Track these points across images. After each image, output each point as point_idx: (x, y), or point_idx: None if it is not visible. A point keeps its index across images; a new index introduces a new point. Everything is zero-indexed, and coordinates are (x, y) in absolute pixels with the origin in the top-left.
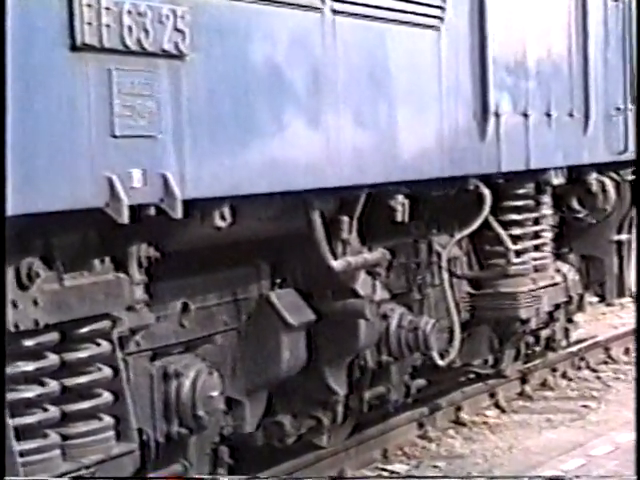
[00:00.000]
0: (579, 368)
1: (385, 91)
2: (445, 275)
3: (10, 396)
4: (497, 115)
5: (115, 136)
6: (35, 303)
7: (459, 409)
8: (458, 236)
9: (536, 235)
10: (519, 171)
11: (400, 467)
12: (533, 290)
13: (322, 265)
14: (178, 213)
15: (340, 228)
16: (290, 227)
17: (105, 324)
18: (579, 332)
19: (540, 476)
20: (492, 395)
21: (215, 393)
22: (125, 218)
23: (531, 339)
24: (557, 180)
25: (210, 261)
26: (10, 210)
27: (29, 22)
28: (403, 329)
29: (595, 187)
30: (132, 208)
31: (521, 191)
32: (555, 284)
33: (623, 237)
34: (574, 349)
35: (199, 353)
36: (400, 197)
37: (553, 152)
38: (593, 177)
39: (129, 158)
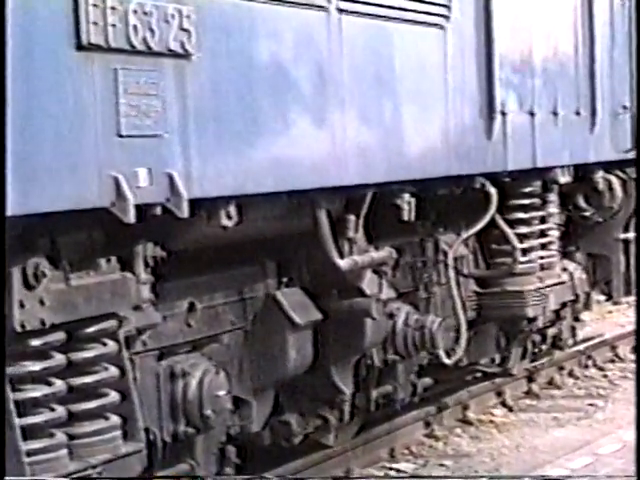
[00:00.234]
0: (586, 366)
1: (391, 90)
2: (451, 274)
3: (17, 396)
4: (503, 114)
5: (121, 135)
6: (41, 303)
7: (466, 408)
8: (464, 235)
9: (543, 233)
10: (525, 169)
11: (407, 466)
12: (540, 288)
13: (328, 264)
14: (184, 212)
15: (346, 227)
16: (296, 226)
17: (111, 324)
18: (586, 330)
19: (542, 476)
20: (499, 394)
21: (222, 392)
22: (131, 217)
23: (538, 338)
24: (564, 178)
25: (216, 260)
26: (15, 210)
27: (35, 22)
28: (409, 328)
29: (602, 185)
30: (138, 207)
31: (527, 189)
32: (562, 282)
33: (630, 235)
34: (581, 347)
35: (206, 352)
36: (406, 196)
37: (560, 150)
38: (599, 175)
39: (135, 157)
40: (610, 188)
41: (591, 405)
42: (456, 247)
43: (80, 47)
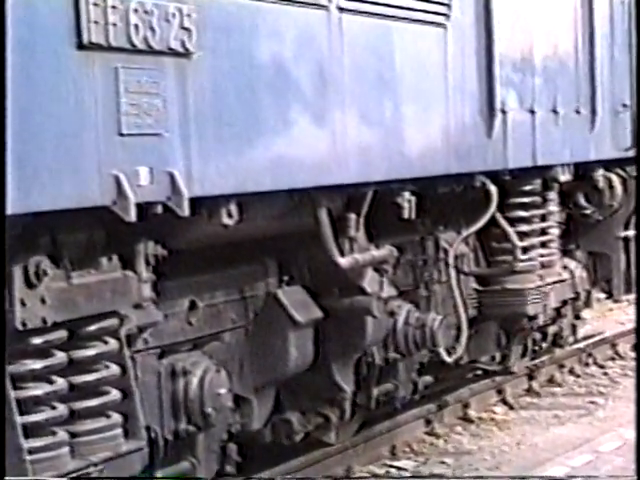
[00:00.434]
0: (586, 364)
1: (391, 88)
2: (452, 272)
3: (18, 394)
4: (504, 112)
5: (122, 134)
6: (43, 301)
7: (466, 406)
8: (465, 233)
9: (543, 232)
10: (526, 168)
11: (408, 463)
12: (540, 287)
13: (329, 262)
14: (185, 211)
15: (347, 225)
16: (297, 224)
17: (113, 322)
18: (586, 328)
19: (542, 476)
20: (499, 391)
21: (223, 390)
22: (132, 216)
23: (538, 335)
24: (564, 177)
25: (217, 259)
26: (17, 209)
27: (36, 21)
28: (410, 326)
29: (602, 183)
30: (139, 206)
31: (528, 188)
32: (562, 280)
33: (630, 233)
34: (581, 345)
35: (207, 351)
36: (407, 194)
37: (560, 149)
38: (600, 173)
39: (136, 156)
40: (610, 186)
41: (591, 403)
42: (457, 245)
43: (81, 46)
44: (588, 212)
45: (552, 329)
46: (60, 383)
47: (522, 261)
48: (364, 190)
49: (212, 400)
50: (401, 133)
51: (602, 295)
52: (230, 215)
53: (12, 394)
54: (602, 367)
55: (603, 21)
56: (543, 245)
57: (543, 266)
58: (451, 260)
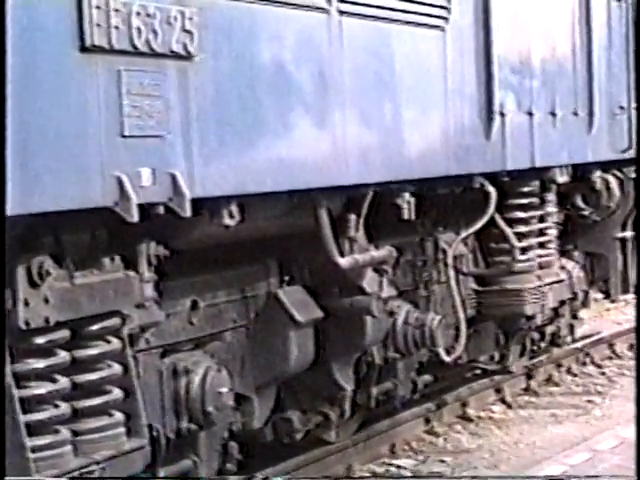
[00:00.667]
0: (584, 364)
1: (391, 91)
2: (451, 272)
3: (22, 393)
4: (502, 114)
5: (124, 136)
6: (46, 301)
7: (465, 405)
8: (464, 234)
9: (541, 232)
10: (524, 169)
11: (407, 462)
12: (538, 287)
13: (329, 263)
14: (187, 212)
15: (347, 226)
16: (298, 225)
17: (115, 321)
18: (584, 328)
19: (538, 476)
20: (498, 391)
21: (224, 389)
22: (134, 217)
23: (536, 335)
24: (562, 178)
25: (219, 259)
26: (20, 209)
27: (39, 24)
28: (410, 326)
29: (599, 185)
30: (141, 207)
31: (526, 189)
32: (560, 281)
33: (627, 234)
34: (579, 345)
35: (208, 350)
36: (406, 195)
37: (558, 150)
38: (597, 175)
39: (138, 158)
40: (608, 187)
41: (589, 402)
42: (456, 246)
43: (84, 49)
44: (586, 213)
45: (550, 329)
46: (63, 382)
47: (520, 261)
48: (364, 191)
49: (213, 399)
50: (401, 135)
51: (599, 295)
52: (231, 216)
53: (15, 393)
54: (599, 366)
55: (600, 24)
56: (541, 246)
57: (541, 266)
58: (450, 260)
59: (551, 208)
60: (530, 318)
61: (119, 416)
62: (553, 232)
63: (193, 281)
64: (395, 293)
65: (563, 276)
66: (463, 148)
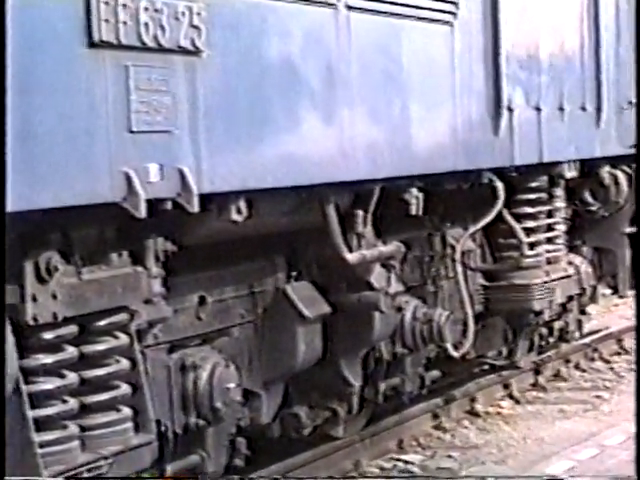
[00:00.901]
0: (592, 359)
1: (399, 86)
2: (459, 268)
3: (30, 388)
4: (510, 109)
5: (132, 131)
6: (54, 296)
7: (473, 400)
8: (472, 229)
9: (549, 228)
10: (532, 164)
11: (415, 457)
12: (546, 282)
13: (337, 258)
14: (195, 207)
15: (355, 221)
16: (305, 221)
17: (123, 317)
18: (592, 324)
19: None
20: (506, 386)
21: (232, 385)
22: (142, 212)
23: (544, 331)
24: (570, 173)
25: (226, 254)
26: (28, 205)
27: (47, 19)
28: (417, 321)
29: (607, 180)
30: (149, 202)
31: (534, 184)
32: (568, 276)
33: (635, 229)
34: (587, 340)
35: (216, 345)
36: (414, 191)
37: (566, 145)
38: (605, 170)
39: (146, 153)
40: (616, 183)
41: (597, 397)
42: (463, 241)
43: (92, 44)
44: (594, 208)
45: (558, 324)
46: (71, 377)
47: (528, 257)
48: (372, 186)
49: (221, 394)
50: (408, 130)
51: (607, 290)
52: (239, 211)
53: (24, 388)
54: (607, 362)
55: (609, 18)
56: (549, 241)
57: (549, 262)
58: (458, 256)
59: (559, 203)
60: (538, 313)
61: (127, 411)
62: (561, 227)
63: (201, 277)
64: (403, 289)
65: (571, 271)
66: (471, 143)
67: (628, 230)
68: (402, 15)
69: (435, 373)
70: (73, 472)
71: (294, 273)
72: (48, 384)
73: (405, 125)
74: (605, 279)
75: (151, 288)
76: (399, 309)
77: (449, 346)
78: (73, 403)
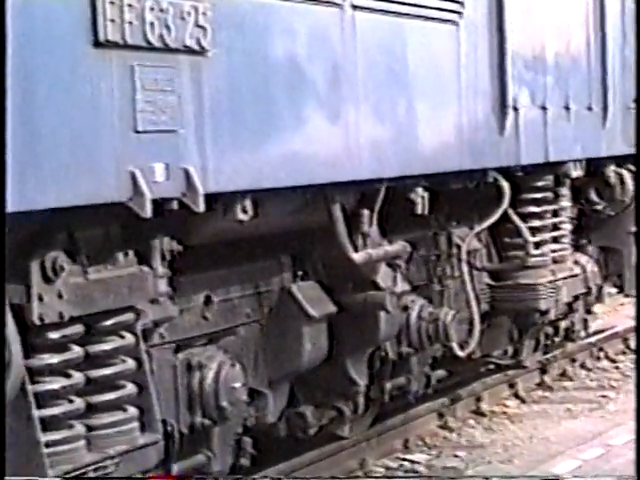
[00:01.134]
0: (598, 358)
1: (404, 85)
2: (465, 267)
3: (36, 388)
4: (516, 109)
5: (138, 131)
6: (60, 296)
7: (479, 399)
8: (478, 228)
9: (555, 227)
10: (538, 164)
11: (421, 457)
12: (552, 281)
13: (343, 258)
14: (200, 207)
15: (361, 221)
16: (311, 220)
17: (129, 317)
18: (598, 323)
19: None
20: (512, 385)
21: (238, 384)
22: (148, 212)
23: (550, 330)
24: (576, 172)
25: (232, 254)
26: (34, 205)
27: (53, 19)
28: (423, 320)
29: (613, 179)
30: (155, 202)
31: (540, 184)
32: (574, 275)
33: None
34: (593, 340)
35: (222, 345)
36: (420, 190)
37: (571, 145)
38: (611, 169)
39: (152, 153)
40: (622, 182)
41: (603, 396)
42: (469, 241)
43: (97, 44)
44: (600, 207)
45: (564, 324)
46: (77, 377)
47: (534, 256)
48: (377, 186)
49: (227, 394)
50: (414, 129)
51: (613, 290)
52: (245, 211)
53: (30, 388)
54: (613, 361)
55: (614, 17)
56: (555, 240)
57: (555, 261)
58: (464, 255)
59: (565, 203)
60: (544, 313)
61: (133, 411)
62: (567, 227)
63: (207, 276)
64: (409, 288)
65: (577, 271)
66: (477, 143)
67: (634, 229)
68: (408, 15)
69: (441, 372)
70: (79, 472)
71: (300, 273)
72: (54, 384)
73: (411, 124)
74: (611, 278)
75: (157, 288)
76: (405, 308)
77: (455, 345)
78: (79, 403)
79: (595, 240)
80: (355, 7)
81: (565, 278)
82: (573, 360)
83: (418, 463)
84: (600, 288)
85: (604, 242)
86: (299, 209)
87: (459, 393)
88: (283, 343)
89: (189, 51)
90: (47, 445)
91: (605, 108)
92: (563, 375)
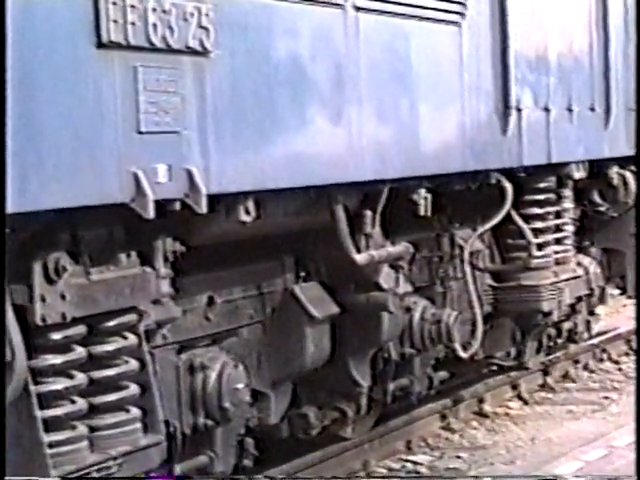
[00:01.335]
0: (600, 360)
1: (407, 86)
2: (467, 268)
3: (39, 388)
4: (518, 110)
5: (140, 132)
6: (62, 297)
7: (482, 401)
8: (480, 230)
9: (558, 228)
10: (541, 165)
11: (423, 458)
12: (555, 283)
13: (346, 259)
14: (203, 208)
15: (363, 222)
16: (314, 221)
17: (132, 317)
18: (600, 324)
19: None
20: (514, 387)
21: (241, 385)
22: (151, 213)
23: (553, 331)
24: (578, 174)
25: (235, 255)
26: (36, 206)
27: (55, 20)
28: (426, 322)
29: (616, 180)
30: (158, 203)
31: (543, 185)
32: (577, 277)
33: None
34: (595, 341)
35: (224, 346)
36: (422, 191)
37: (574, 146)
38: (614, 171)
39: (154, 154)
40: (625, 183)
41: (606, 398)
42: (472, 242)
43: (100, 45)
44: (602, 209)
45: (567, 325)
46: (80, 378)
47: (537, 258)
48: (380, 187)
49: (230, 395)
50: (417, 130)
51: (616, 291)
52: (247, 212)
53: (33, 388)
54: (616, 363)
55: (617, 18)
56: (558, 242)
57: (558, 263)
58: (466, 256)
59: (568, 204)
60: (547, 314)
61: (135, 412)
62: (570, 228)
63: (209, 277)
64: (411, 289)
65: (580, 272)
66: (479, 144)
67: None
68: (410, 16)
69: (443, 374)
70: (82, 472)
71: (302, 274)
72: (57, 384)
73: (413, 125)
74: (614, 280)
75: (160, 289)
76: (407, 310)
77: (457, 347)
78: (82, 403)
79: (598, 242)
80: (358, 8)
81: (568, 280)
82: (576, 361)
83: (420, 464)
84: (603, 290)
85: (607, 244)
86: (302, 210)
87: (461, 394)
88: (286, 344)
89: (192, 52)
90: (50, 446)
91: (608, 109)
92: (566, 376)
